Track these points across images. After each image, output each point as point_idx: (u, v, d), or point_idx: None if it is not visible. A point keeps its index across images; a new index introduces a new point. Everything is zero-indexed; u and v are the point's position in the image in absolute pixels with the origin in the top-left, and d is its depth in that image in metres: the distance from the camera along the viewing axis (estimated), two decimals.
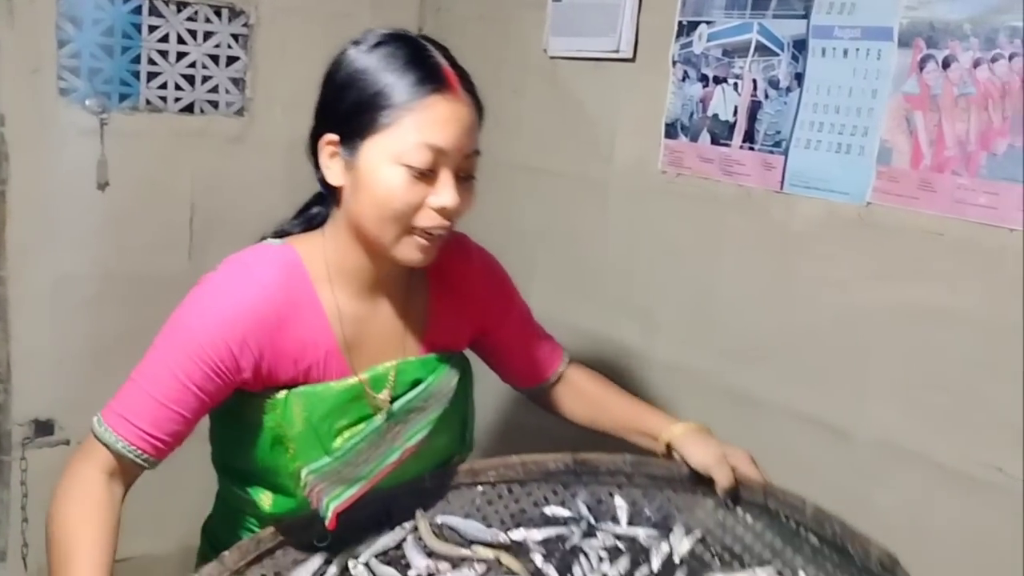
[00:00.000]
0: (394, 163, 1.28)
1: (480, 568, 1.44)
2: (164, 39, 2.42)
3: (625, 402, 1.68)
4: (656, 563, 1.46)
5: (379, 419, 1.41)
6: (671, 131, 2.12)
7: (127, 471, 1.32)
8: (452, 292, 1.52)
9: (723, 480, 1.49)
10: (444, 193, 1.30)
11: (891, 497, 1.57)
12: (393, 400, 1.42)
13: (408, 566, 1.45)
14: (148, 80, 2.44)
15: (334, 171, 1.34)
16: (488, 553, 1.47)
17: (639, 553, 1.48)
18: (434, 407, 1.47)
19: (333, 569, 1.40)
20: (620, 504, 1.56)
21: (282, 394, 1.35)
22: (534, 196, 2.46)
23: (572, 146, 2.38)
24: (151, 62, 2.44)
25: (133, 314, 2.23)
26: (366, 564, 1.42)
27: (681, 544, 1.49)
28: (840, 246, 1.80)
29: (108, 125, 2.40)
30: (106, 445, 1.29)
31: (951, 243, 1.63)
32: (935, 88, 1.62)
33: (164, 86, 2.47)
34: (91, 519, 1.26)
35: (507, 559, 1.46)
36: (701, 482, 1.53)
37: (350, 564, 1.42)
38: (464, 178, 1.33)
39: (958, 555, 1.53)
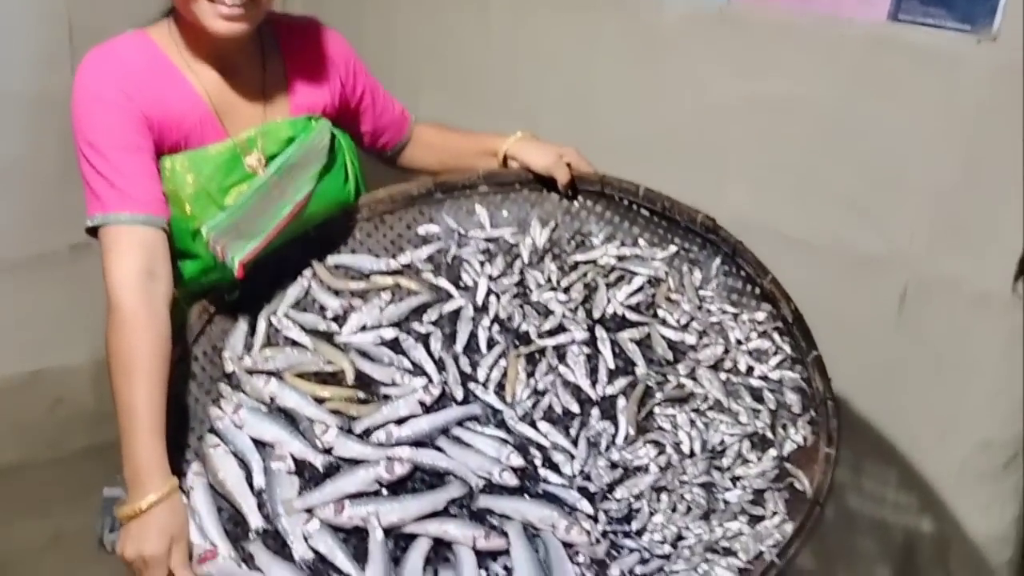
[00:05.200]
0: None
1: (386, 296, 1.65)
2: None
3: (463, 136, 1.84)
4: (525, 255, 1.70)
5: (264, 176, 1.52)
6: None
7: (155, 250, 1.39)
8: (307, 60, 1.62)
9: (563, 177, 1.72)
10: None
11: None
12: (268, 161, 1.54)
13: (324, 308, 1.65)
14: None
15: None
16: (387, 281, 1.68)
17: (508, 251, 1.72)
18: (314, 163, 1.58)
19: (261, 327, 1.60)
20: (480, 210, 1.77)
21: (168, 161, 1.47)
22: (417, 8, 2.47)
23: None
24: None
25: (21, 134, 2.22)
26: (286, 315, 1.62)
27: (540, 235, 1.72)
28: (702, 44, 1.92)
29: None
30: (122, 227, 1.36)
31: (798, 36, 1.77)
32: None
33: None
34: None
35: (405, 282, 1.68)
36: (544, 181, 1.75)
37: (273, 320, 1.62)
38: None
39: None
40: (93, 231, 1.39)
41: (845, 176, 1.78)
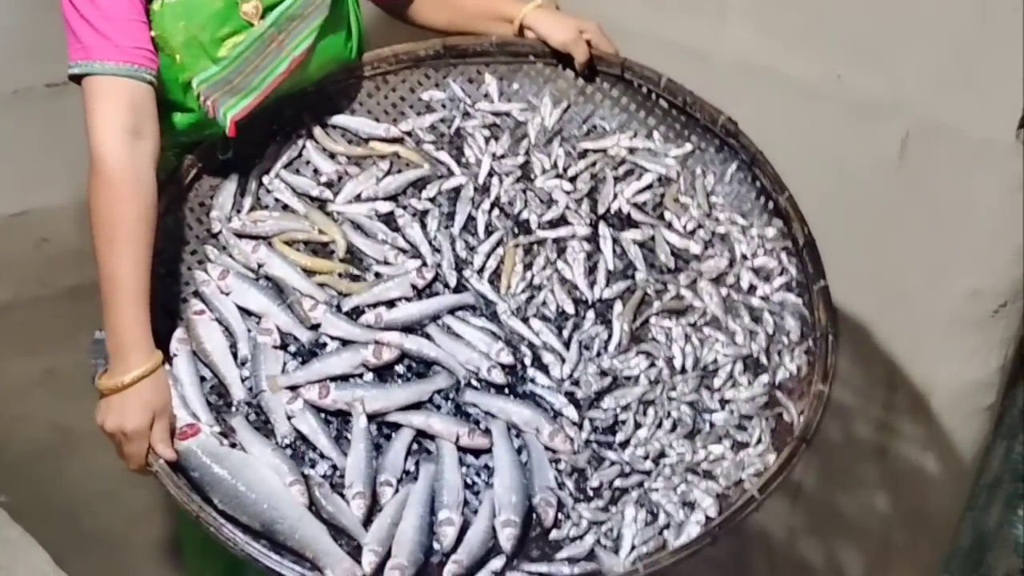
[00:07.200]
0: None
1: (384, 165, 1.57)
2: None
3: None
4: (533, 135, 1.61)
5: (260, 26, 1.42)
6: None
7: (142, 106, 1.30)
8: None
9: (581, 55, 1.60)
10: None
11: (746, 112, 1.58)
12: (266, 10, 1.43)
13: (317, 171, 1.54)
14: None
15: None
16: (386, 148, 1.60)
17: (515, 129, 1.63)
18: (315, 15, 1.47)
19: (252, 187, 1.52)
20: (490, 80, 1.65)
21: (157, 5, 1.35)
22: None
23: None
24: None
25: None
26: (278, 176, 1.54)
27: (551, 115, 1.62)
28: None
29: None
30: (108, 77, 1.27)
31: None
32: None
33: None
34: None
35: (405, 152, 1.60)
36: (560, 57, 1.63)
37: (265, 180, 1.54)
38: None
39: (801, 159, 1.58)
40: (76, 78, 1.28)
41: (853, 15, 1.69)
